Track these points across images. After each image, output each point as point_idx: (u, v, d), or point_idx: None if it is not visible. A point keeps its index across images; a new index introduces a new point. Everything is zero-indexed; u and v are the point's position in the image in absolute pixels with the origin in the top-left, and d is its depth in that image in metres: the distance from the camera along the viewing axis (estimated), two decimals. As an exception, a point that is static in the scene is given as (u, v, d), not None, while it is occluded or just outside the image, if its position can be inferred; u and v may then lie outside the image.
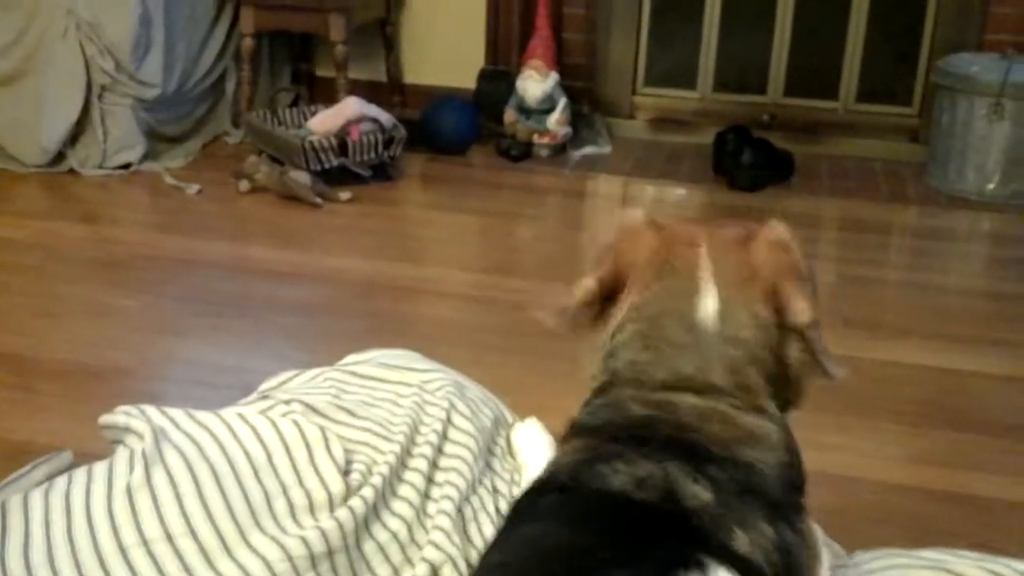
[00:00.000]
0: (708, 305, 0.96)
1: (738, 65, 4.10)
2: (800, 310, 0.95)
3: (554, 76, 3.81)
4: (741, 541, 0.83)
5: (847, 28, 3.92)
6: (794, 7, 3.95)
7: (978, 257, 3.23)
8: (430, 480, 1.19)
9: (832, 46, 3.96)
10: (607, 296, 1.02)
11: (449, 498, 1.18)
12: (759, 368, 0.95)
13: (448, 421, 1.27)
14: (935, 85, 3.60)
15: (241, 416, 1.14)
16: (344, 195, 3.29)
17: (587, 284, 1.02)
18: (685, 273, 0.98)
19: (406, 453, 1.19)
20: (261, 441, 1.10)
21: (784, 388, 0.97)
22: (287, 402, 1.21)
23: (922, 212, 3.41)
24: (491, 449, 1.29)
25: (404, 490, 1.16)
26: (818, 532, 1.16)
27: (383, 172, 3.50)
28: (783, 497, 0.89)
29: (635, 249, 1.02)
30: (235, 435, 1.10)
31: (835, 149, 3.92)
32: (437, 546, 1.10)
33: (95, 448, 1.30)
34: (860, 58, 3.94)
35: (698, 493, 0.85)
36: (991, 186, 3.46)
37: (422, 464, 1.19)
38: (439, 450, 1.23)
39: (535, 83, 3.79)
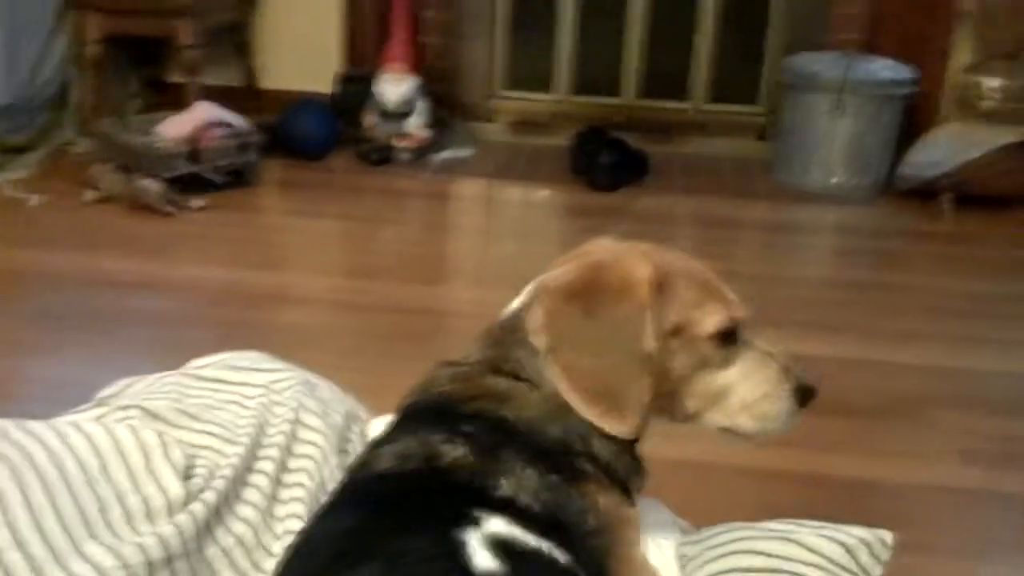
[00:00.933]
0: (514, 303, 1.07)
1: (593, 68, 4.17)
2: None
3: (413, 79, 3.79)
4: (505, 486, 0.90)
5: (697, 32, 4.03)
6: (645, 12, 4.04)
7: (825, 248, 3.37)
8: (278, 482, 1.16)
9: (682, 49, 4.07)
10: None
11: (298, 499, 1.15)
12: (530, 351, 1.01)
13: (297, 420, 1.24)
14: (781, 84, 3.73)
15: (74, 424, 1.09)
16: (197, 202, 3.20)
17: None
18: (533, 280, 1.08)
19: (251, 455, 1.16)
20: (95, 448, 1.05)
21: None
22: (124, 408, 1.17)
23: (771, 207, 3.53)
24: (343, 447, 1.26)
25: (249, 493, 1.12)
26: (665, 512, 1.18)
27: (239, 178, 3.43)
28: (551, 451, 0.95)
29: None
30: (67, 443, 1.05)
31: (688, 148, 4.03)
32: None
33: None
34: (709, 60, 4.06)
35: (451, 451, 0.92)
36: (835, 180, 3.60)
37: (268, 466, 1.16)
38: (287, 450, 1.20)
39: (394, 86, 3.77)
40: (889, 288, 2.91)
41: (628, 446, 1.03)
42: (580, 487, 0.95)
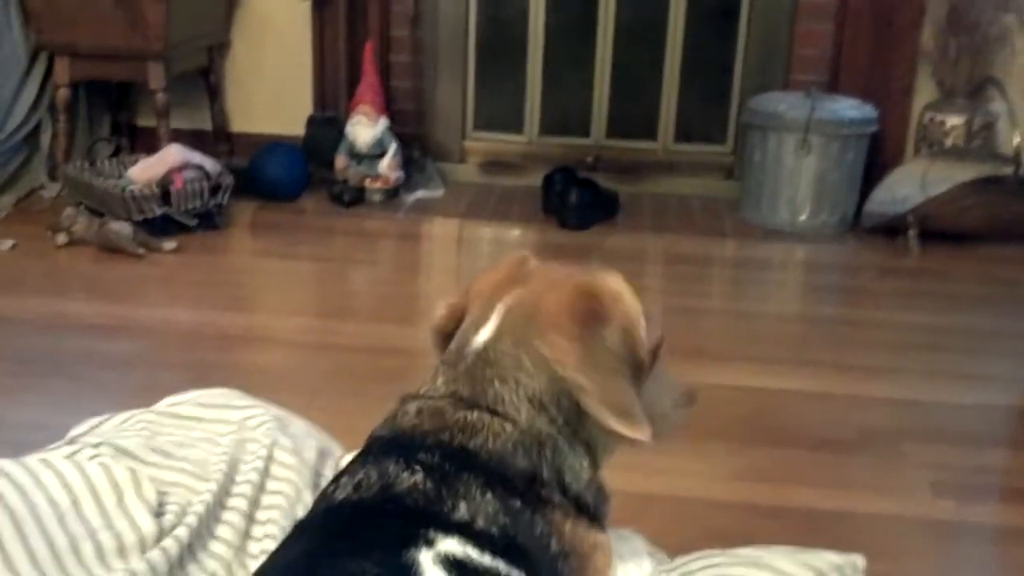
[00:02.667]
0: (483, 333, 1.04)
1: (562, 110, 4.22)
2: (556, 348, 1.00)
3: (384, 121, 3.82)
4: (462, 509, 0.91)
5: (663, 73, 4.09)
6: (612, 54, 4.10)
7: (791, 284, 3.41)
8: (251, 518, 1.16)
9: (649, 90, 4.12)
10: (460, 321, 1.10)
11: (271, 536, 1.15)
12: (512, 386, 1.00)
13: (270, 457, 1.24)
14: (746, 124, 3.78)
15: (45, 461, 1.09)
16: (168, 245, 3.20)
17: (439, 310, 1.12)
18: (489, 307, 1.06)
19: (224, 492, 1.16)
20: (67, 485, 1.05)
21: (580, 427, 1.02)
22: (96, 446, 1.16)
23: (739, 244, 3.57)
24: (316, 482, 1.26)
25: (222, 530, 1.12)
26: (639, 542, 1.19)
27: (210, 220, 3.42)
28: (516, 479, 0.96)
29: (484, 283, 1.11)
30: (38, 481, 1.05)
31: (656, 188, 4.07)
32: (260, 584, 1.07)
33: None
34: (676, 101, 4.11)
35: (408, 478, 0.93)
36: (802, 218, 3.65)
37: (241, 503, 1.16)
38: (260, 487, 1.20)
39: (365, 128, 3.79)
40: (856, 323, 2.94)
41: (597, 473, 1.04)
42: (544, 513, 0.96)
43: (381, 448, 0.99)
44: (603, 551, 1.02)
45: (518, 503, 0.94)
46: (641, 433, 0.99)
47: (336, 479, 0.98)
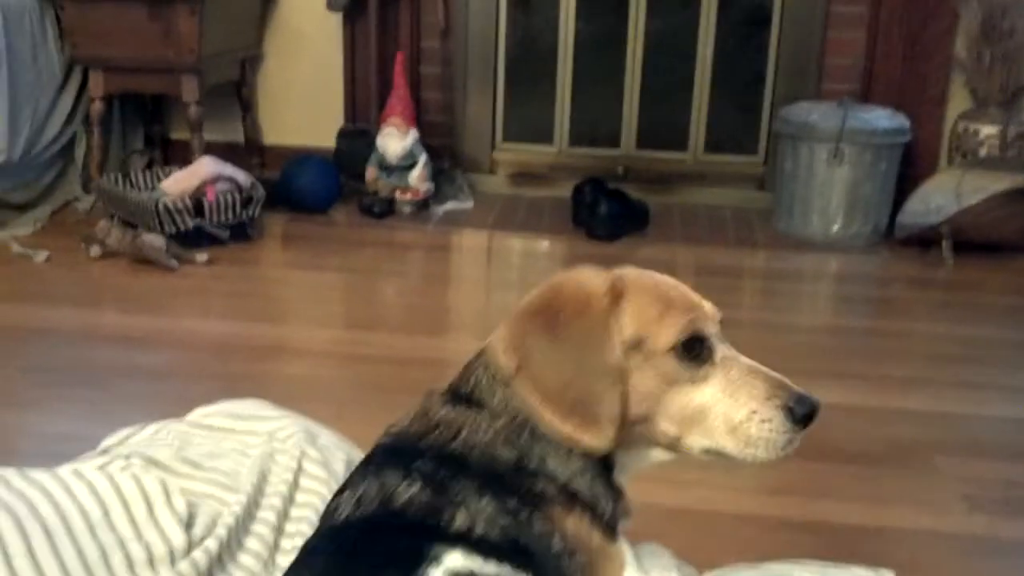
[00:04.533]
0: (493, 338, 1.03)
1: (591, 120, 4.22)
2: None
3: (414, 133, 3.83)
4: (459, 518, 0.90)
5: (693, 83, 4.08)
6: (642, 64, 4.10)
7: (823, 296, 3.38)
8: (279, 531, 1.17)
9: (680, 101, 4.11)
10: None
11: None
12: (492, 372, 1.00)
13: (299, 469, 1.24)
14: (778, 134, 3.76)
15: (77, 472, 1.10)
16: (201, 257, 3.22)
17: None
18: None
19: (254, 504, 1.16)
20: (97, 496, 1.06)
21: None
22: (127, 456, 1.17)
23: (771, 255, 3.55)
24: (344, 496, 1.26)
25: (251, 542, 1.13)
26: (667, 556, 1.18)
27: (242, 232, 3.45)
28: (506, 473, 0.94)
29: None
30: (70, 491, 1.06)
31: (687, 198, 4.06)
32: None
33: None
34: (706, 111, 4.10)
35: (405, 491, 0.92)
36: (835, 228, 3.62)
37: (270, 515, 1.17)
38: (289, 499, 1.21)
39: (395, 140, 3.81)
40: (890, 335, 2.91)
41: (601, 470, 1.00)
42: (543, 511, 0.94)
43: (380, 456, 0.99)
44: (613, 562, 0.99)
45: (514, 501, 0.93)
46: (589, 438, 0.95)
47: (339, 493, 0.98)
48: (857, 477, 2.10)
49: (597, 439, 0.96)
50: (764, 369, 1.02)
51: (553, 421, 0.96)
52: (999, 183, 3.39)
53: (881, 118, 3.59)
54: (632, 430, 0.99)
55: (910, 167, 3.71)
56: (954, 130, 3.74)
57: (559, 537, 0.93)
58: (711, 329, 1.01)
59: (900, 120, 3.61)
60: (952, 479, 2.10)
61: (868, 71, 3.84)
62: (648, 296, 1.01)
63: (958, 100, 3.79)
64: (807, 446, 2.24)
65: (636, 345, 0.98)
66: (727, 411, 0.99)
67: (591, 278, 1.02)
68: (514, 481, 0.94)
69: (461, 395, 1.00)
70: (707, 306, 1.05)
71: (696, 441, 1.00)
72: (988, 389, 2.53)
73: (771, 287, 3.38)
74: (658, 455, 1.04)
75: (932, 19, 3.73)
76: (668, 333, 0.98)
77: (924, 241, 3.51)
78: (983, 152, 3.63)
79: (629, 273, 1.04)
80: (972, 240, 3.43)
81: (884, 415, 2.37)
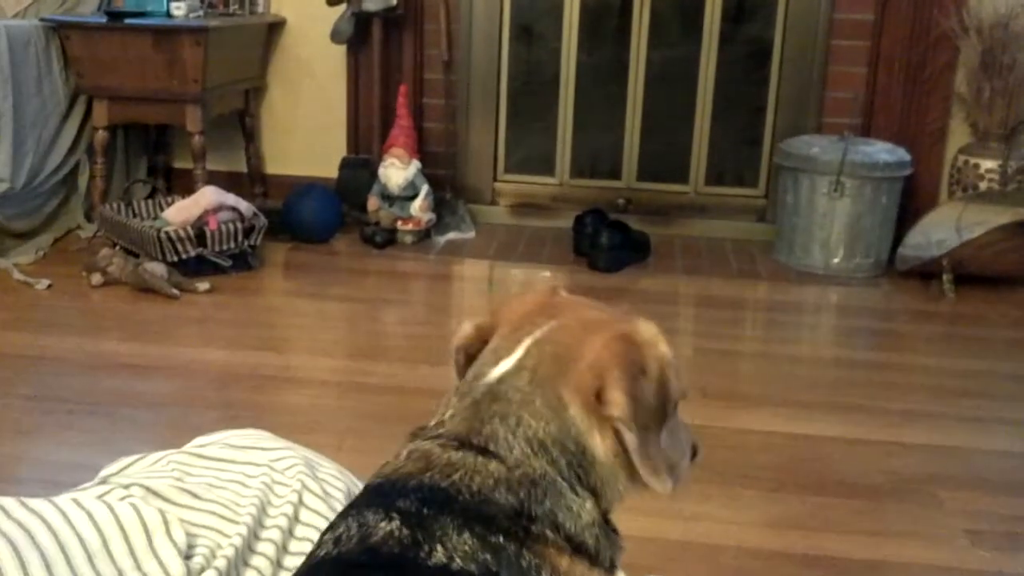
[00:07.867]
0: (502, 366, 0.99)
1: (593, 152, 4.24)
2: (610, 401, 0.95)
3: (416, 163, 3.86)
4: (438, 552, 0.87)
5: (694, 116, 4.10)
6: (644, 97, 4.12)
7: (826, 327, 3.38)
8: (278, 564, 1.16)
9: (681, 133, 4.13)
10: (484, 343, 1.04)
11: (299, 580, 1.14)
12: (511, 425, 0.96)
13: (299, 502, 1.24)
14: (779, 167, 3.78)
15: (76, 501, 1.09)
16: (202, 285, 3.23)
17: (465, 328, 1.06)
18: (515, 339, 1.01)
19: (253, 536, 1.16)
20: (96, 526, 1.05)
21: (586, 473, 0.98)
22: (126, 486, 1.17)
23: (772, 287, 3.55)
24: (344, 527, 1.26)
25: (250, 574, 1.12)
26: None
27: (244, 261, 3.46)
28: (498, 516, 0.91)
29: (513, 309, 1.05)
30: (69, 521, 1.05)
31: (688, 230, 4.07)
32: (286, 631, 1.07)
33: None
34: (708, 144, 4.12)
35: (384, 527, 0.89)
36: (836, 260, 3.63)
37: (269, 549, 1.16)
38: (288, 532, 1.20)
39: (397, 170, 3.83)
40: (891, 368, 2.91)
41: (601, 518, 0.99)
42: (534, 549, 0.92)
43: (366, 498, 0.96)
44: None
45: (500, 539, 0.90)
46: (665, 486, 0.96)
47: (323, 533, 0.95)
48: (858, 511, 2.09)
49: (669, 487, 0.97)
50: None
51: (652, 480, 0.96)
52: (1000, 216, 3.40)
53: (882, 152, 3.60)
54: None
55: (911, 200, 3.73)
56: (954, 164, 3.76)
57: (550, 572, 0.91)
58: None
59: (901, 154, 3.62)
60: (954, 513, 2.09)
61: (869, 105, 3.86)
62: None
63: (959, 134, 3.81)
64: (809, 479, 2.24)
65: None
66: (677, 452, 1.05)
67: (653, 329, 1.02)
68: (505, 524, 0.91)
69: (472, 445, 0.96)
70: None
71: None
72: (990, 423, 2.52)
73: (772, 319, 3.38)
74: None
75: (932, 53, 3.76)
76: (683, 385, 1.04)
77: (925, 274, 3.51)
78: (983, 186, 3.65)
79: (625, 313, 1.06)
80: (973, 273, 3.43)
81: (886, 448, 2.36)
